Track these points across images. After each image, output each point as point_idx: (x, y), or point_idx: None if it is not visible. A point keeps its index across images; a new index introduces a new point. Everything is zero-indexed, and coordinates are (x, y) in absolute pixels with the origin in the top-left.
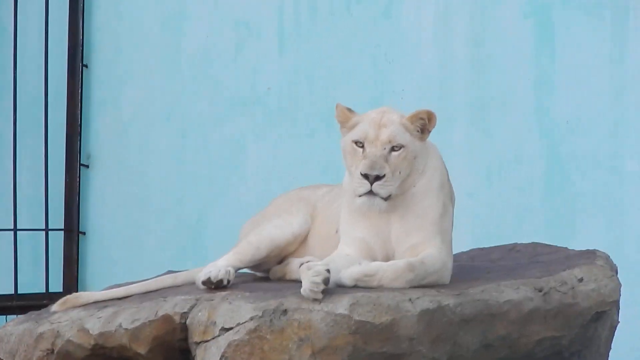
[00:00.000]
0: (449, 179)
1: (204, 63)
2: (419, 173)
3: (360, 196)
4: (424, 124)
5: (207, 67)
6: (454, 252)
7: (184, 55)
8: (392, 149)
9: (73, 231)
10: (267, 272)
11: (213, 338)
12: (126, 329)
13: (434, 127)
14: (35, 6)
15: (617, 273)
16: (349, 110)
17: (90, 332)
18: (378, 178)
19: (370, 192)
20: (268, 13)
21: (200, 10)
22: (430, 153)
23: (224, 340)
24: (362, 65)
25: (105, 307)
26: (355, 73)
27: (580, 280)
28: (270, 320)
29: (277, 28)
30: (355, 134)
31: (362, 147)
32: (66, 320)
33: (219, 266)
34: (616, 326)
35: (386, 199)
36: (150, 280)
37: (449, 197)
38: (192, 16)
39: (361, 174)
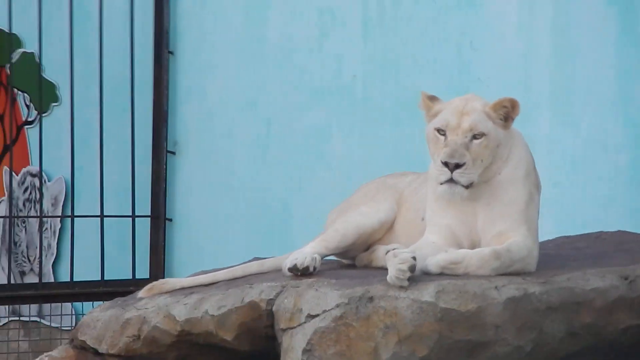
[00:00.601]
0: (534, 168)
1: (289, 51)
2: (503, 161)
3: (441, 184)
4: (507, 112)
5: (292, 54)
6: (540, 241)
7: (268, 42)
8: (474, 137)
9: (160, 218)
10: (353, 260)
11: (299, 325)
12: (212, 315)
13: (517, 115)
14: None
15: None
16: (433, 97)
17: (177, 318)
18: (458, 166)
19: (451, 180)
20: (352, 1)
21: None
22: (515, 141)
23: (310, 327)
24: (447, 53)
25: (192, 293)
26: (440, 61)
27: None
28: (357, 308)
29: (361, 15)
30: (438, 122)
31: (444, 134)
32: (152, 306)
33: (305, 253)
34: None
35: (467, 186)
36: (236, 267)
37: (535, 186)
38: (276, 4)
39: (441, 162)
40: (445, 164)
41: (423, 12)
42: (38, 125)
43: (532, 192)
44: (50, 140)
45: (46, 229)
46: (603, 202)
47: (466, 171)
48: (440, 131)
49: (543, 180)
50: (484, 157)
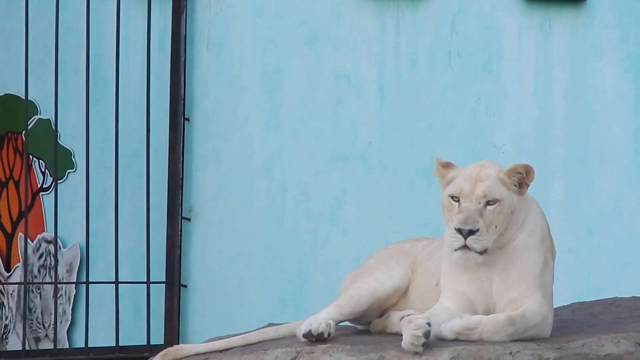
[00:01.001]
0: (549, 233)
1: (304, 116)
2: (517, 227)
3: (455, 250)
4: (521, 178)
5: (307, 120)
6: (554, 306)
7: (284, 108)
8: (488, 203)
9: (174, 284)
10: (368, 325)
11: None
12: None
13: (532, 181)
14: (137, 59)
15: None
16: (448, 164)
17: None
18: (471, 232)
19: (465, 247)
20: (368, 66)
21: (301, 64)
22: (530, 207)
23: None
24: (463, 119)
25: (207, 359)
26: (456, 127)
27: None
28: None
29: (377, 81)
30: (452, 189)
31: (458, 201)
32: None
33: (320, 319)
34: None
35: (482, 253)
36: (251, 333)
37: (550, 252)
38: (292, 69)
39: (455, 229)
40: (459, 230)
41: (439, 78)
42: (53, 191)
43: (547, 258)
44: (66, 207)
45: (61, 295)
46: (618, 267)
47: (480, 237)
48: (454, 198)
49: (558, 246)
50: (498, 223)
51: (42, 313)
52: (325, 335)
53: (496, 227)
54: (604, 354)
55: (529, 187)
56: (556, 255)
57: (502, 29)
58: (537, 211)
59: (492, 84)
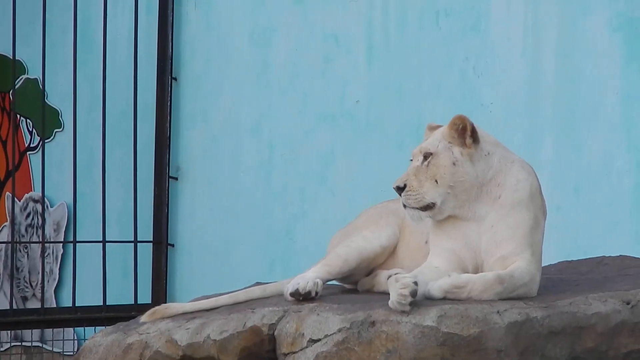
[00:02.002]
0: (540, 193)
1: (293, 76)
2: (488, 183)
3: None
4: (457, 130)
5: (296, 80)
6: (542, 265)
7: (272, 68)
8: (424, 158)
9: (162, 243)
10: (355, 284)
11: (301, 349)
12: (214, 340)
13: (471, 132)
14: (124, 20)
15: None
16: (430, 128)
17: (179, 343)
18: (400, 189)
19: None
20: (357, 26)
21: (289, 24)
22: (509, 165)
23: (312, 351)
24: (451, 79)
25: (194, 318)
26: (444, 86)
27: None
28: (358, 332)
29: (365, 41)
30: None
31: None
32: (154, 331)
33: (307, 278)
34: None
35: (423, 208)
36: (238, 292)
37: (541, 211)
38: (280, 29)
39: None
40: (395, 190)
41: (427, 37)
42: (41, 151)
43: (538, 217)
44: (53, 166)
45: (48, 254)
46: (606, 226)
47: (409, 193)
48: (410, 160)
49: (547, 205)
50: (438, 176)
51: (29, 272)
52: (313, 294)
53: (436, 181)
54: (591, 312)
55: (476, 139)
56: (547, 216)
57: None
58: (521, 169)
59: (481, 43)
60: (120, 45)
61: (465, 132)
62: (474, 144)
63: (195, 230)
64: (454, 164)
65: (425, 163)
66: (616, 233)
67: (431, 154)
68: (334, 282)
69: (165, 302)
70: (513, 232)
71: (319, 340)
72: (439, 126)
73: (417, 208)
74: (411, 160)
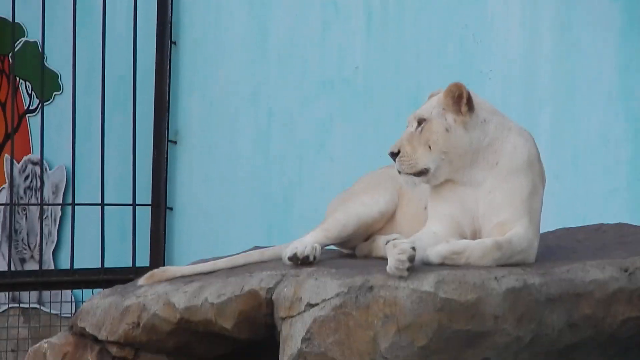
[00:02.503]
0: (539, 160)
1: (291, 42)
2: (485, 149)
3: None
4: (453, 97)
5: (294, 46)
6: (540, 232)
7: (271, 34)
8: (418, 124)
9: (160, 206)
10: (353, 249)
11: (299, 314)
12: (212, 303)
13: (466, 100)
14: None
15: None
16: (432, 96)
17: (176, 306)
18: (393, 155)
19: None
20: None
21: None
22: (506, 132)
23: (309, 316)
24: (450, 46)
25: (192, 281)
26: (443, 53)
27: None
28: (356, 297)
29: (364, 8)
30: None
31: None
32: (152, 294)
33: (306, 242)
34: None
35: (417, 174)
36: (237, 256)
37: (540, 177)
38: None
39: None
40: (389, 155)
41: (426, 4)
42: (40, 113)
43: (536, 183)
44: (52, 129)
45: (47, 216)
46: (604, 194)
47: (403, 158)
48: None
49: (545, 173)
50: (431, 142)
51: (27, 234)
52: (311, 258)
53: (430, 147)
54: (589, 279)
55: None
56: (546, 183)
57: None
58: (518, 135)
59: (480, 11)
60: (120, 9)
61: (461, 100)
62: (469, 111)
63: (193, 194)
64: (446, 130)
65: (419, 129)
66: (614, 201)
67: (424, 119)
68: (332, 246)
69: (164, 265)
70: (511, 198)
71: (316, 304)
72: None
73: (411, 174)
74: (407, 126)
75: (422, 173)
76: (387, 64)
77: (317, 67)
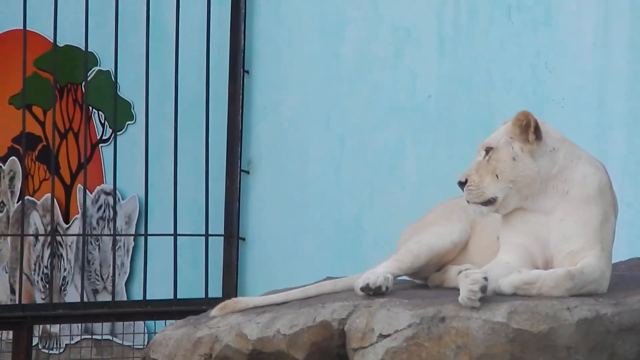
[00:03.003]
0: (611, 188)
1: (363, 69)
2: (554, 178)
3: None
4: (521, 126)
5: (366, 72)
6: (612, 262)
7: (342, 60)
8: (486, 153)
9: (233, 237)
10: (426, 280)
11: (371, 345)
12: (284, 334)
13: (534, 128)
14: (197, 11)
15: None
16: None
17: (249, 337)
18: (461, 184)
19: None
20: (428, 18)
21: (360, 16)
22: (575, 160)
23: (382, 347)
24: (522, 73)
25: (264, 312)
26: (515, 81)
27: None
28: (428, 328)
29: (436, 34)
30: None
31: None
32: (224, 325)
33: (378, 273)
34: None
35: (484, 203)
36: (309, 286)
37: (611, 207)
38: (351, 21)
39: None
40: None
41: (499, 31)
42: (112, 143)
43: (608, 212)
44: (125, 159)
45: (119, 247)
46: None
47: (470, 188)
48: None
49: (618, 201)
50: (498, 171)
51: (100, 265)
52: (383, 289)
53: (497, 176)
54: None
55: (539, 135)
56: (618, 212)
57: None
58: (587, 164)
59: (552, 37)
60: (192, 37)
61: (529, 128)
62: (536, 140)
63: (265, 224)
64: (513, 159)
65: (487, 158)
66: None
67: (492, 148)
68: (404, 277)
69: (236, 296)
70: (582, 227)
71: (388, 335)
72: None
73: (479, 203)
74: (477, 155)
75: (489, 202)
76: (459, 90)
77: (389, 93)
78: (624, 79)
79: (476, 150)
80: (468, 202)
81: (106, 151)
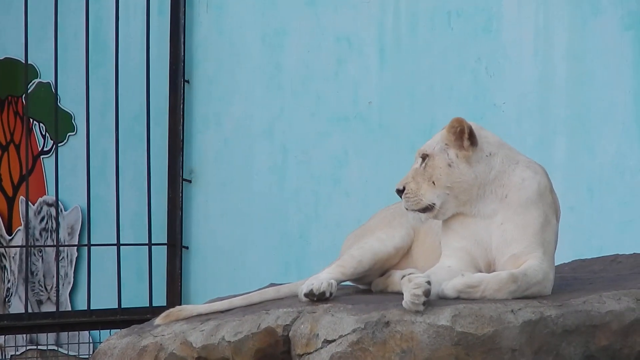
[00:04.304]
0: (551, 191)
1: (305, 78)
2: (491, 183)
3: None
4: (455, 133)
5: (308, 82)
6: (556, 264)
7: (284, 70)
8: (423, 160)
9: (176, 246)
10: (369, 285)
11: (316, 350)
12: (229, 341)
13: (468, 135)
14: (136, 22)
15: None
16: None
17: (193, 345)
18: (399, 192)
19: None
20: (368, 28)
21: (301, 26)
22: (512, 165)
23: (327, 352)
24: (463, 80)
25: (208, 320)
26: (456, 87)
27: None
28: (373, 332)
29: (377, 43)
30: None
31: None
32: (169, 333)
33: (322, 279)
34: None
35: (422, 210)
36: (252, 293)
37: (552, 209)
38: (292, 32)
39: None
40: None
41: (439, 39)
42: (54, 154)
43: (548, 215)
44: (67, 170)
45: (63, 257)
46: (619, 225)
47: (408, 195)
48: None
49: (560, 205)
50: (434, 178)
51: (44, 276)
52: (327, 294)
53: (434, 182)
54: (605, 310)
55: (474, 141)
56: (560, 215)
57: None
58: (525, 168)
59: (492, 44)
60: (132, 48)
61: (463, 135)
62: (471, 146)
63: (209, 233)
64: (449, 165)
65: (423, 165)
66: (630, 232)
67: (428, 155)
68: (347, 282)
69: (180, 305)
70: (523, 231)
71: (333, 340)
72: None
73: (417, 210)
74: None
75: (427, 209)
76: (401, 98)
77: (331, 102)
78: (564, 84)
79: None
80: (407, 209)
81: (48, 163)
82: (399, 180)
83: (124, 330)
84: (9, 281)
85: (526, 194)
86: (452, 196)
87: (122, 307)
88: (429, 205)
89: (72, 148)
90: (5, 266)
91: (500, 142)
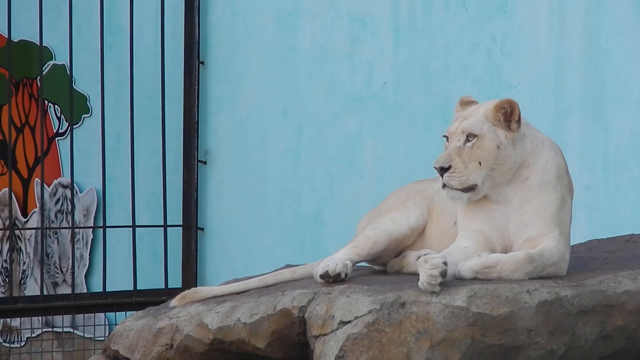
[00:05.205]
0: (567, 172)
1: (320, 59)
2: (527, 166)
3: (442, 189)
4: (505, 114)
5: (323, 63)
6: (571, 244)
7: (299, 51)
8: (467, 139)
9: (191, 227)
10: (385, 266)
11: (332, 331)
12: (245, 323)
13: (517, 117)
14: (150, 3)
15: None
16: (467, 102)
17: (209, 326)
18: (443, 169)
19: (445, 185)
20: (383, 8)
21: (316, 7)
22: (539, 145)
23: (342, 333)
24: (478, 59)
25: (224, 301)
26: (471, 67)
27: None
28: (389, 313)
29: (392, 23)
30: (447, 129)
31: (448, 140)
32: (185, 315)
33: (337, 260)
34: None
35: (466, 190)
36: (268, 275)
37: (568, 190)
38: (307, 13)
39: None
40: (435, 169)
41: (454, 18)
42: (69, 136)
43: (565, 196)
44: (82, 152)
45: (78, 240)
46: (634, 205)
47: (453, 174)
48: (446, 137)
49: (575, 185)
50: (482, 159)
51: (59, 258)
52: (342, 275)
53: (480, 163)
54: (620, 290)
55: (520, 123)
56: (574, 194)
57: None
58: (549, 149)
59: (507, 23)
60: (147, 29)
61: (513, 117)
62: (518, 128)
63: (224, 214)
64: (498, 147)
65: (470, 144)
66: None
67: (475, 135)
68: (363, 263)
69: (195, 286)
70: (540, 213)
71: (349, 322)
72: (472, 101)
73: (460, 189)
74: (444, 136)
75: (470, 189)
76: (416, 78)
77: (345, 83)
78: (579, 63)
79: (447, 134)
80: (445, 186)
81: (63, 144)
82: (440, 157)
83: (139, 312)
84: (24, 263)
85: (547, 177)
86: (491, 177)
87: (137, 289)
88: (473, 185)
89: (87, 130)
90: (20, 248)
91: (526, 122)
